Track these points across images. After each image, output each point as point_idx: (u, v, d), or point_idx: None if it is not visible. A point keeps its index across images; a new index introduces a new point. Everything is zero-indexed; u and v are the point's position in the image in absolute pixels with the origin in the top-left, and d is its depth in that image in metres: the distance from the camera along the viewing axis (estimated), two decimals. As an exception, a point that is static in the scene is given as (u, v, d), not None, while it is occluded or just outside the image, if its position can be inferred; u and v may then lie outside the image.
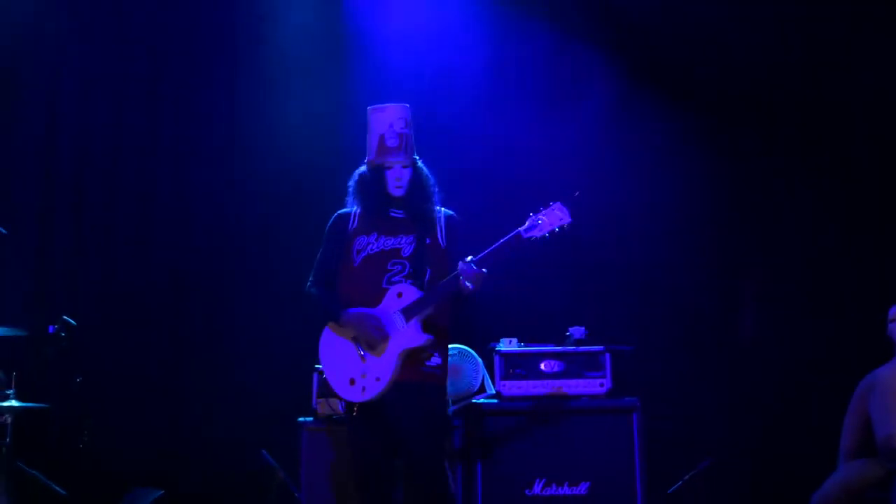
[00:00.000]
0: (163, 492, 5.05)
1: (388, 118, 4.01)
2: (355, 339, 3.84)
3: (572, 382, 4.68)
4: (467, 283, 3.75)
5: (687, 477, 4.96)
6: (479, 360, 5.01)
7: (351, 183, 4.09)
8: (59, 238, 5.85)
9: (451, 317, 3.95)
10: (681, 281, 5.78)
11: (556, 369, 4.72)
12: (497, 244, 3.82)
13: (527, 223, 3.83)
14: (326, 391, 4.49)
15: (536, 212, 3.84)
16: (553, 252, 5.80)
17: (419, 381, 3.81)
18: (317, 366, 4.68)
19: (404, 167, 3.99)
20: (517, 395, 4.67)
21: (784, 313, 5.70)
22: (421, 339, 3.79)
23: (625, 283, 5.80)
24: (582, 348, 4.74)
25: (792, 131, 5.91)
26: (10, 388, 4.76)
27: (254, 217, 5.93)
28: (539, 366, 4.72)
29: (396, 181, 3.98)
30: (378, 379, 3.77)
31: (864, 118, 5.83)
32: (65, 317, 4.94)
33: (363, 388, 3.78)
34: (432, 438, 3.83)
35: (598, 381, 4.69)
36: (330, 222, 4.09)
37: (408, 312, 3.81)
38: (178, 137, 6.02)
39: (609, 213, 5.71)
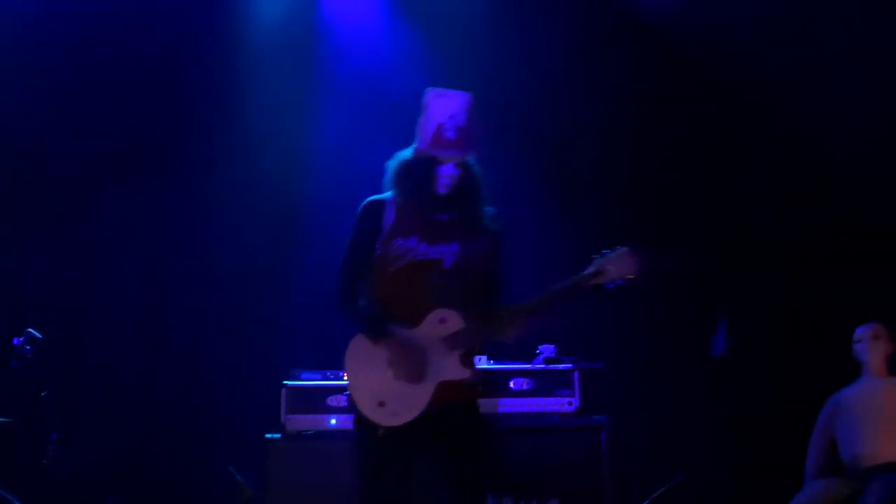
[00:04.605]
0: (129, 508, 5.01)
1: (450, 107, 3.52)
2: (390, 363, 3.47)
3: (541, 401, 4.67)
4: (510, 336, 3.46)
5: (657, 493, 4.95)
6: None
7: (392, 166, 3.60)
8: (27, 248, 5.77)
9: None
10: (652, 298, 5.77)
11: (525, 387, 4.71)
12: (555, 289, 3.44)
13: (591, 268, 3.43)
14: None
15: (601, 255, 3.44)
16: (523, 271, 5.84)
17: (458, 400, 3.50)
18: (289, 381, 4.67)
19: (458, 165, 3.53)
20: (486, 414, 4.64)
21: (756, 330, 5.71)
22: (463, 373, 3.48)
23: (595, 301, 5.78)
24: (551, 366, 4.74)
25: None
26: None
27: (229, 229, 5.87)
28: (508, 384, 4.71)
29: (447, 178, 3.52)
30: (411, 408, 3.44)
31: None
32: (30, 329, 4.87)
33: (394, 413, 3.44)
34: (483, 460, 3.55)
35: (567, 399, 4.68)
36: (361, 209, 3.60)
37: (450, 343, 3.46)
38: (159, 143, 5.93)
39: (578, 230, 5.69)
